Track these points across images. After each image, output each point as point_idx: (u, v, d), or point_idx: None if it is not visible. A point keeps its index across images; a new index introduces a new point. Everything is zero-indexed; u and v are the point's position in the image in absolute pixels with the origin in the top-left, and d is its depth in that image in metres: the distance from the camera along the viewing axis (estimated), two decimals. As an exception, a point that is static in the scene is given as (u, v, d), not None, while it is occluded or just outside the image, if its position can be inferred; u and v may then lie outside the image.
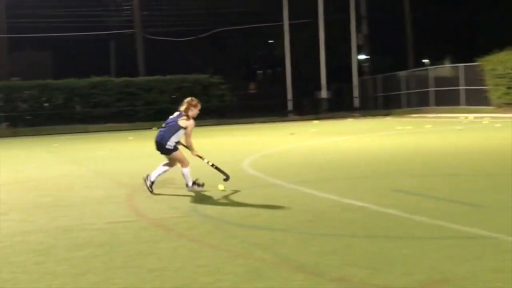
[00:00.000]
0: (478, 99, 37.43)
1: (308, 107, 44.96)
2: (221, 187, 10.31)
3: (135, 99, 40.97)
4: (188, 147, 10.53)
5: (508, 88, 34.87)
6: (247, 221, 7.75)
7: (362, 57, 50.36)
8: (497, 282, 4.95)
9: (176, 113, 10.50)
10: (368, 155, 15.53)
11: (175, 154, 10.35)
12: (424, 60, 59.04)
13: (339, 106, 46.62)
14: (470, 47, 50.71)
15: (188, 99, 10.62)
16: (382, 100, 47.92)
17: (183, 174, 10.43)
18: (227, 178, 10.54)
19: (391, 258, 5.78)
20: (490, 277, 5.08)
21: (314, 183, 10.81)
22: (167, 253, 6.30)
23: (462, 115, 34.16)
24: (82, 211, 8.95)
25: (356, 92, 46.94)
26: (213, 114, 41.48)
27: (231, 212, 8.43)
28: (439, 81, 42.52)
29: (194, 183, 10.44)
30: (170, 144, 10.30)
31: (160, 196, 9.99)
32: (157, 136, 10.45)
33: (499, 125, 25.16)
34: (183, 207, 8.94)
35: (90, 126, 37.93)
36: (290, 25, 45.85)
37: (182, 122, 10.35)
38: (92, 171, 14.21)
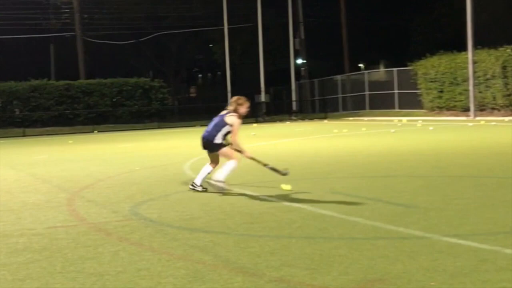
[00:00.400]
0: (411, 103, 38.08)
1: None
2: (287, 186, 9.96)
3: (75, 103, 40.45)
4: (239, 149, 10.12)
5: (440, 92, 35.54)
6: (187, 224, 7.71)
7: (300, 61, 50.73)
8: (430, 281, 5.02)
9: (224, 112, 10.24)
10: (305, 157, 15.64)
11: (223, 150, 10.04)
12: (359, 65, 59.81)
13: (278, 110, 46.91)
14: (403, 51, 51.54)
15: (235, 98, 10.40)
16: (320, 104, 48.36)
17: (225, 168, 9.98)
18: (285, 174, 10.29)
19: (328, 258, 5.81)
20: (424, 276, 5.15)
21: (253, 185, 10.82)
22: (108, 257, 6.22)
23: (396, 118, 34.68)
24: (20, 216, 8.77)
25: (294, 96, 47.27)
26: (154, 117, 41.25)
27: (171, 215, 8.37)
28: (374, 85, 43.13)
29: (223, 182, 10.01)
30: (217, 140, 10.02)
31: (101, 200, 9.86)
32: (204, 134, 10.20)
33: (431, 128, 25.63)
34: (123, 211, 8.84)
35: (29, 129, 37.32)
36: (230, 30, 45.90)
37: (229, 118, 10.07)
38: (31, 175, 13.96)
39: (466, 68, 33.00)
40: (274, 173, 10.37)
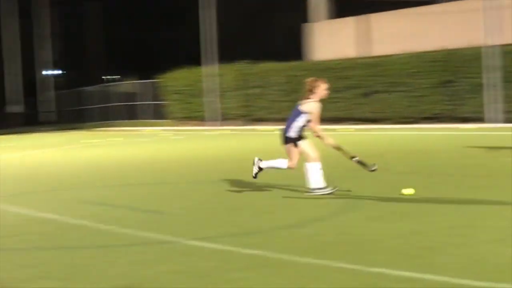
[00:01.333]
0: (159, 113, 38.56)
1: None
2: (408, 191, 8.77)
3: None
4: (319, 135, 9.05)
5: (185, 103, 36.43)
6: None
7: (54, 72, 49.36)
8: (178, 283, 5.16)
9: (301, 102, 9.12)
10: (54, 168, 15.27)
11: (288, 146, 9.03)
12: (109, 76, 59.44)
13: (31, 120, 45.19)
14: (151, 64, 52.06)
15: (308, 79, 9.23)
16: (73, 114, 47.36)
17: (273, 166, 9.30)
18: (374, 169, 9.21)
19: (82, 268, 5.75)
20: (172, 279, 5.28)
21: (2, 198, 10.37)
22: None
23: (145, 128, 34.91)
24: None
25: (48, 106, 45.80)
26: None
27: None
28: (124, 96, 43.12)
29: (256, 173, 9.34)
30: (291, 133, 8.98)
31: None
32: (285, 126, 9.09)
33: (178, 137, 26.14)
34: None
35: None
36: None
37: (304, 106, 8.98)
38: None
39: (209, 80, 34.16)
40: (361, 167, 9.32)
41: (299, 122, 8.97)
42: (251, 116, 33.14)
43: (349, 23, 34.05)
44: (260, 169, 9.27)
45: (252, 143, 20.66)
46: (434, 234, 6.39)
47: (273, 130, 27.55)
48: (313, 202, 8.69)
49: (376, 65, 28.09)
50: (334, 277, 5.11)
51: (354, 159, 9.23)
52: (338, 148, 9.17)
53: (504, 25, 26.77)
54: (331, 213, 7.85)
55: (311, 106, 8.93)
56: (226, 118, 34.09)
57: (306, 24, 36.12)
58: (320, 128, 9.02)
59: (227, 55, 34.03)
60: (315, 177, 8.93)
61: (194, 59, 36.93)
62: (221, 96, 33.97)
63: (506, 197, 8.33)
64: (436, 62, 26.00)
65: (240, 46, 42.83)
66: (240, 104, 33.41)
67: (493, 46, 23.84)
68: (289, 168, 9.18)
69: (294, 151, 9.06)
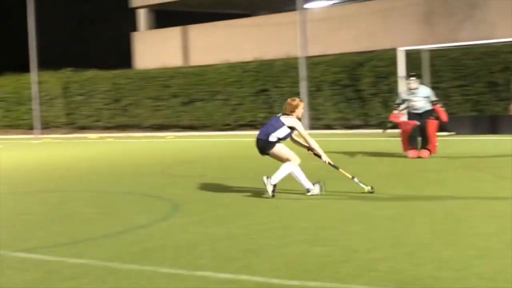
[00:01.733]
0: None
1: None
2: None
3: None
4: (310, 147, 9.30)
5: (7, 111, 34.94)
6: None
7: None
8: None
9: (279, 114, 9.41)
10: None
11: (273, 150, 9.14)
12: None
13: None
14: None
15: (289, 100, 9.37)
16: None
17: (284, 176, 9.08)
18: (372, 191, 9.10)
19: None
20: (-3, 292, 5.17)
21: None
22: None
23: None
24: None
25: None
26: None
27: None
28: None
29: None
30: (272, 138, 9.14)
31: None
32: (259, 134, 9.31)
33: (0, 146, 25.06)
34: None
35: None
36: None
37: (286, 120, 9.18)
38: None
39: (30, 88, 33.01)
40: (358, 186, 9.25)
41: (279, 133, 9.21)
42: (75, 124, 32.43)
43: (172, 33, 34.32)
44: (274, 186, 9.17)
45: (74, 151, 20.29)
46: (252, 236, 6.68)
47: (97, 138, 27.20)
48: (136, 208, 8.77)
49: (197, 74, 28.52)
50: (160, 282, 5.20)
51: (354, 179, 9.41)
52: (334, 166, 9.47)
53: (315, 37, 28.18)
54: (155, 219, 7.95)
55: (294, 122, 9.21)
56: (49, 126, 33.10)
57: (132, 33, 35.96)
58: (313, 140, 9.32)
59: (53, 62, 33.06)
60: (282, 176, 9.15)
61: (22, 66, 35.54)
62: (45, 104, 32.94)
63: (312, 199, 8.86)
64: (252, 72, 26.85)
65: (67, 53, 41.73)
66: (64, 112, 32.59)
67: (304, 58, 24.99)
68: (297, 165, 9.23)
69: (282, 148, 9.24)
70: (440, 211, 7.67)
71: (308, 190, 9.10)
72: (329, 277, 5.12)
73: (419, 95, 13.43)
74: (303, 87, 24.73)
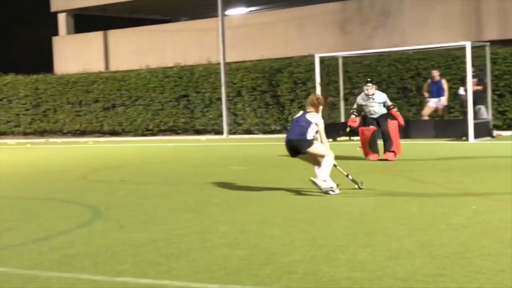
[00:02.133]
0: None
1: None
2: None
3: None
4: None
5: None
6: None
7: None
8: None
9: (300, 113, 9.44)
10: None
11: (311, 149, 9.07)
12: None
13: None
14: None
15: (313, 97, 9.51)
16: None
17: (328, 171, 9.00)
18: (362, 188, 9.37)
19: None
20: None
21: None
22: None
23: None
24: None
25: None
26: None
27: None
28: None
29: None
30: (309, 136, 9.08)
31: None
32: (289, 134, 9.26)
33: None
34: None
35: None
36: None
37: (312, 117, 9.19)
38: None
39: None
40: (355, 184, 9.43)
41: (311, 131, 9.17)
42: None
43: (93, 38, 33.79)
44: (324, 181, 9.09)
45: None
46: (174, 241, 6.63)
47: (16, 144, 26.50)
48: (56, 215, 8.58)
49: (118, 79, 28.17)
50: (80, 289, 5.15)
51: (348, 176, 9.54)
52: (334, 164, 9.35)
53: (235, 43, 28.28)
54: (75, 225, 7.80)
55: (319, 119, 9.24)
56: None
57: (53, 37, 35.20)
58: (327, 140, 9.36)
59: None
60: (329, 171, 9.13)
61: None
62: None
63: (231, 203, 8.90)
64: (173, 77, 26.72)
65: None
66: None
67: (224, 64, 25.04)
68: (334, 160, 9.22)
69: (318, 145, 9.21)
70: (356, 213, 7.81)
71: (332, 189, 9.06)
72: (249, 280, 5.14)
73: (376, 101, 13.62)
74: (223, 92, 24.77)
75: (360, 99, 13.95)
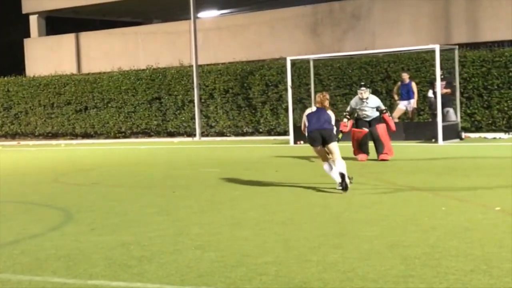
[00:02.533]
0: None
1: None
2: None
3: None
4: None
5: None
6: None
7: None
8: None
9: (314, 108, 9.89)
10: None
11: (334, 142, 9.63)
12: None
13: None
14: None
15: (325, 94, 9.95)
16: None
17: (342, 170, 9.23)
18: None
19: None
20: None
21: None
22: None
23: None
24: None
25: None
26: None
27: None
28: None
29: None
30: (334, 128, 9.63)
31: None
32: (318, 124, 9.54)
33: None
34: None
35: None
36: None
37: (329, 112, 9.83)
38: None
39: None
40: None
41: (332, 122, 9.74)
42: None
43: (65, 40, 33.51)
44: (343, 175, 9.31)
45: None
46: (146, 244, 6.60)
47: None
48: (28, 218, 8.49)
49: (90, 81, 27.96)
50: (51, 292, 5.09)
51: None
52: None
53: (207, 46, 28.24)
54: (47, 228, 7.72)
55: (332, 114, 9.87)
56: None
57: (25, 40, 34.83)
58: None
59: None
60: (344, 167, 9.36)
61: None
62: None
63: (203, 205, 8.88)
64: (146, 80, 26.59)
65: None
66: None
67: (196, 66, 24.98)
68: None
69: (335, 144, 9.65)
70: (327, 214, 7.84)
71: (345, 185, 9.28)
72: (221, 282, 5.13)
73: (369, 105, 13.70)
74: (195, 95, 24.71)
75: (353, 102, 14.02)
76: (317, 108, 9.82)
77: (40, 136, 29.37)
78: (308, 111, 9.98)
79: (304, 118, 9.85)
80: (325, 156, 9.64)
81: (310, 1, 27.77)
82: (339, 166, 9.32)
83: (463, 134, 18.81)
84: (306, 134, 9.80)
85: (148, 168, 14.73)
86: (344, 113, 14.34)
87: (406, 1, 25.13)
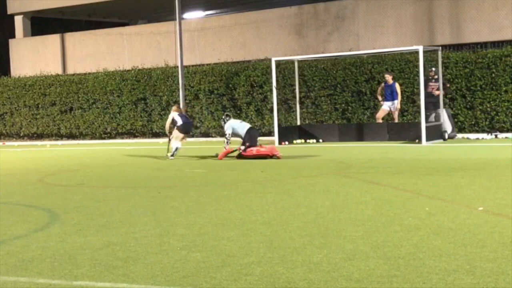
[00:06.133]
0: None
1: None
2: None
3: None
4: None
5: None
6: None
7: None
8: None
9: None
10: None
11: None
12: None
13: None
14: None
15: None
16: None
17: None
18: None
19: None
20: None
21: None
22: None
23: None
24: None
25: None
26: None
27: None
28: None
29: None
30: None
31: None
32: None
33: None
34: None
35: None
36: None
37: None
38: None
39: None
40: None
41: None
42: None
43: (50, 40, 33.35)
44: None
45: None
46: (131, 244, 6.58)
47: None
48: (12, 219, 8.43)
49: (75, 82, 27.85)
50: (36, 293, 5.07)
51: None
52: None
53: (192, 47, 28.20)
54: (32, 229, 7.67)
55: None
56: None
57: (10, 40, 34.61)
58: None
59: None
60: None
61: None
62: None
63: (189, 206, 8.87)
64: (131, 80, 26.52)
65: None
66: None
67: (181, 67, 24.94)
68: None
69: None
70: (312, 215, 7.85)
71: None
72: (207, 282, 5.13)
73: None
74: (181, 96, 24.67)
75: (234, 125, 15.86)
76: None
77: (25, 137, 29.21)
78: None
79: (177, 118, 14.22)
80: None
81: (295, 2, 27.80)
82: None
83: (447, 135, 18.89)
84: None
85: (133, 169, 14.68)
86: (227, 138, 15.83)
87: (390, 3, 25.22)
